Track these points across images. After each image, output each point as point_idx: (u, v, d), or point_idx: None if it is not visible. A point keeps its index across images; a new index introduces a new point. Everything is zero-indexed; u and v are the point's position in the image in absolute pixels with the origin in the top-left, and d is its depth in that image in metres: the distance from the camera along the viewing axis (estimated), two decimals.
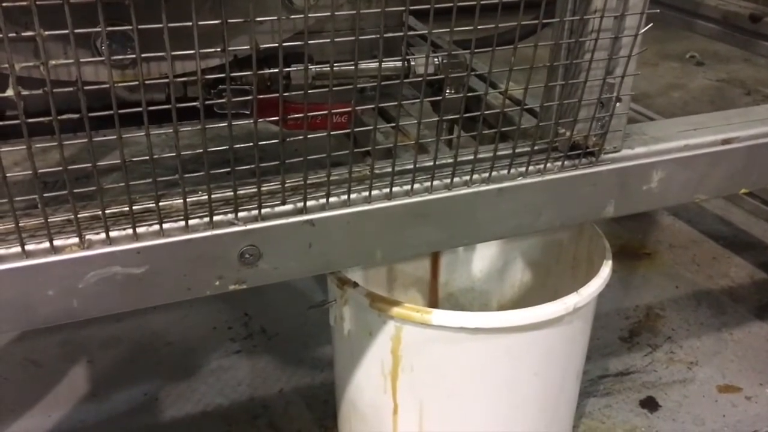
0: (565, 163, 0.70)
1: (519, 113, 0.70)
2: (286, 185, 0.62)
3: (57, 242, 0.55)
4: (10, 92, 0.49)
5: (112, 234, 0.57)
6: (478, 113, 0.64)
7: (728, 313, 1.25)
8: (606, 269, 0.82)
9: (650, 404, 1.05)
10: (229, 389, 1.07)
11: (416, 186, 0.66)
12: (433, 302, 1.06)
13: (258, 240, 0.61)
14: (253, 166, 0.59)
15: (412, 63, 0.78)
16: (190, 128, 0.58)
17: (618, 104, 0.70)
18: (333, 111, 0.60)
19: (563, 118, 0.70)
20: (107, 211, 0.57)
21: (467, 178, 0.67)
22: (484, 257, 1.06)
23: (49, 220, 0.55)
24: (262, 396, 1.06)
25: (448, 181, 0.67)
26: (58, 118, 0.50)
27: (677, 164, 0.76)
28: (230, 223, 0.60)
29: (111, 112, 0.51)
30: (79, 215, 0.56)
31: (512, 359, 0.78)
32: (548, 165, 0.70)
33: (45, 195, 0.54)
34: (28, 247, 0.55)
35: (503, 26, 0.57)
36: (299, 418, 1.02)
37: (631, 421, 1.02)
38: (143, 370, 1.10)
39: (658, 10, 0.65)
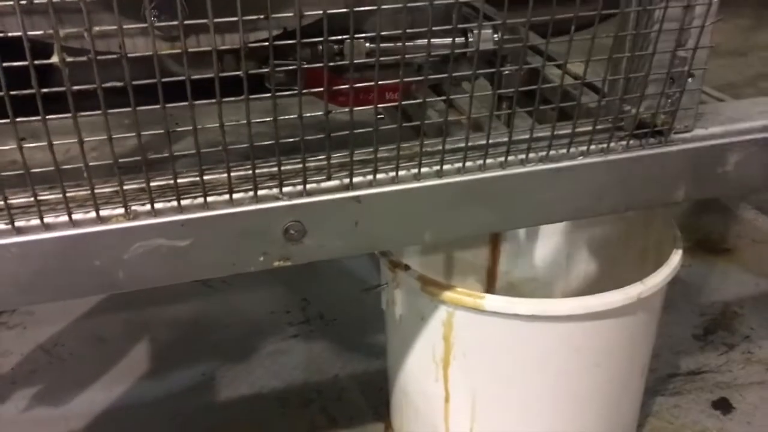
0: (631, 142, 0.66)
1: (580, 88, 0.66)
2: (333, 161, 0.60)
3: (103, 212, 0.56)
4: (55, 59, 0.49)
5: (157, 206, 0.57)
6: (535, 86, 0.61)
7: None
8: (675, 258, 0.77)
9: (723, 406, 0.98)
10: (285, 373, 1.07)
11: (468, 164, 0.63)
12: (492, 291, 1.03)
13: (303, 216, 0.60)
14: (298, 139, 0.57)
15: (470, 38, 0.75)
16: (233, 99, 0.57)
17: (690, 80, 0.65)
18: (382, 86, 0.58)
19: (629, 94, 0.66)
20: (152, 184, 0.57)
21: (523, 156, 0.64)
22: (547, 246, 1.02)
23: (95, 190, 0.55)
24: (317, 381, 1.06)
25: (503, 159, 0.64)
26: (103, 86, 0.50)
27: (757, 146, 0.70)
28: (275, 198, 0.59)
29: (154, 80, 0.50)
30: (125, 187, 0.56)
31: (570, 349, 0.74)
32: (612, 144, 0.66)
33: (90, 165, 0.54)
34: (75, 217, 0.55)
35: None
36: (353, 405, 1.01)
37: (702, 423, 0.96)
38: (202, 350, 1.11)
39: None
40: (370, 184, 0.61)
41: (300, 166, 0.60)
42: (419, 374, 0.82)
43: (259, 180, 0.59)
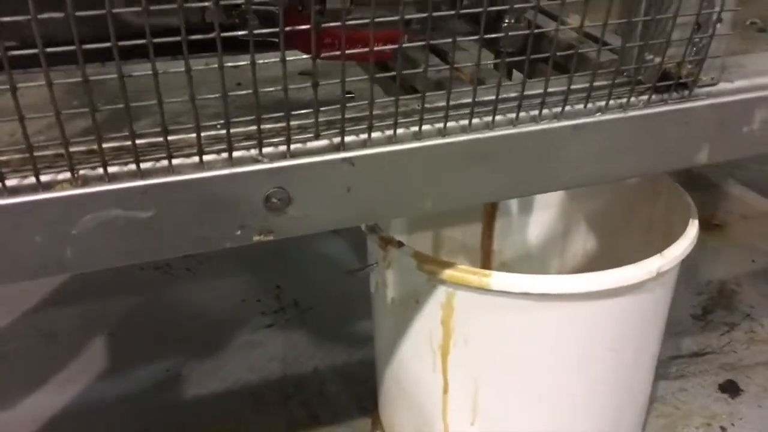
0: (653, 97, 0.59)
1: (602, 31, 0.58)
2: (321, 119, 0.51)
3: (45, 177, 0.46)
4: None
5: (112, 169, 0.47)
6: (551, 28, 0.53)
7: None
8: (692, 229, 0.70)
9: (731, 388, 0.93)
10: (260, 366, 0.98)
11: (475, 121, 0.55)
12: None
13: (287, 181, 0.51)
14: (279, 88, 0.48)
15: None
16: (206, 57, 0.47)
17: (718, 24, 0.58)
18: (375, 42, 0.49)
19: (651, 41, 0.58)
20: (106, 145, 0.47)
21: (536, 112, 0.56)
22: (541, 222, 0.95)
23: (34, 152, 0.45)
24: (296, 374, 0.97)
25: (513, 116, 0.56)
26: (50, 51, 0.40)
27: None
28: (254, 160, 0.50)
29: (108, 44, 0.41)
30: (71, 147, 0.46)
31: (584, 331, 0.67)
32: (632, 99, 0.58)
33: (27, 117, 0.44)
34: (9, 183, 0.45)
35: None
36: (336, 399, 0.93)
37: (710, 407, 0.90)
38: (165, 344, 1.02)
39: None
40: (364, 145, 0.53)
41: (283, 124, 0.51)
42: (414, 363, 0.74)
43: (235, 139, 0.50)
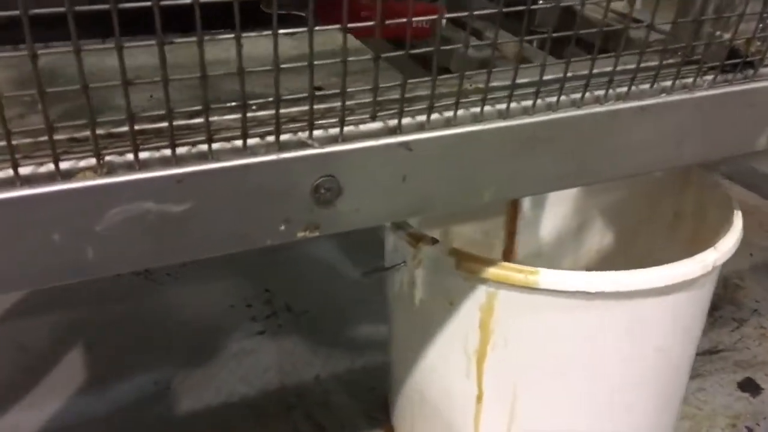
0: (718, 77, 0.55)
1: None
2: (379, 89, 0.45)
3: (65, 165, 0.39)
4: None
5: (143, 155, 0.40)
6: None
7: None
8: (738, 221, 0.67)
9: (750, 387, 0.90)
10: (255, 376, 0.91)
11: (537, 102, 0.50)
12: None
13: (338, 169, 0.45)
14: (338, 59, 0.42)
15: None
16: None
17: None
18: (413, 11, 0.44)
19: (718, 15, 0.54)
20: (137, 126, 0.40)
21: (601, 92, 0.51)
22: (554, 216, 0.90)
23: (54, 134, 0.38)
24: (296, 383, 0.90)
25: (577, 96, 0.51)
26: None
27: None
28: (302, 144, 0.44)
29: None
30: (97, 128, 0.39)
31: (633, 330, 0.62)
32: (698, 79, 0.54)
33: (47, 91, 0.37)
34: (23, 171, 0.38)
35: None
36: (342, 409, 0.86)
37: (733, 407, 0.87)
38: (151, 356, 0.93)
39: None
40: (421, 127, 0.47)
41: (336, 104, 0.44)
42: (443, 369, 0.69)
43: (282, 122, 0.44)
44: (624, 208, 0.86)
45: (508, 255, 0.90)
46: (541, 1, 0.64)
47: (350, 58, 0.42)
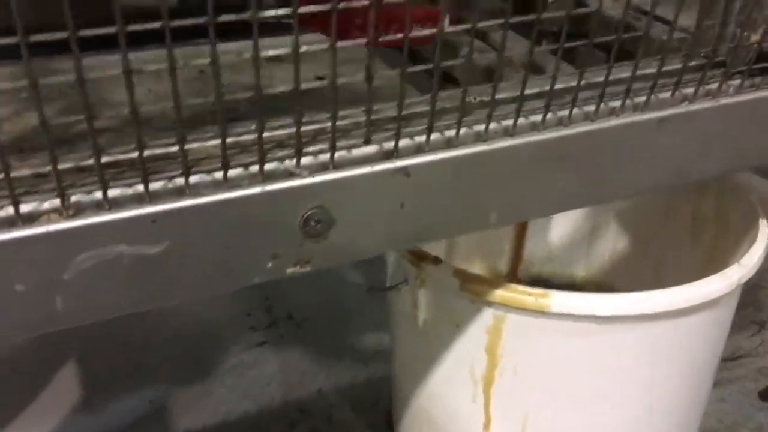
0: (745, 82, 0.50)
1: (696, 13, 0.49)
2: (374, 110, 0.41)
3: (26, 207, 0.35)
4: None
5: (113, 193, 0.36)
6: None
7: None
8: (765, 230, 0.62)
9: None
10: (256, 390, 0.88)
11: (548, 117, 0.46)
12: (516, 278, 0.86)
13: (329, 199, 0.41)
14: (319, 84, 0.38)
15: None
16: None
17: None
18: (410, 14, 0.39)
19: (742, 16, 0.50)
20: (104, 159, 0.37)
21: (616, 104, 0.47)
22: (566, 218, 0.86)
23: (11, 172, 0.34)
24: (298, 398, 0.87)
25: (591, 109, 0.47)
26: None
27: None
28: (289, 174, 0.40)
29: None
30: (60, 164, 0.35)
31: (651, 354, 0.59)
32: (723, 85, 0.50)
33: None
34: None
35: None
36: (347, 426, 0.83)
37: (755, 418, 0.83)
38: (146, 372, 0.90)
39: None
40: (419, 150, 0.43)
41: (326, 125, 0.40)
42: (449, 393, 0.65)
43: (267, 148, 0.40)
44: (639, 211, 0.82)
45: (515, 260, 0.86)
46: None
47: (340, 79, 0.38)
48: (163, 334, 0.96)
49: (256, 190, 0.39)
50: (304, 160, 0.40)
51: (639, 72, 0.47)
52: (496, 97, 0.44)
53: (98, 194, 0.36)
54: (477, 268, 0.87)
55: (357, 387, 0.88)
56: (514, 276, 0.87)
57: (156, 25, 0.31)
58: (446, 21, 0.43)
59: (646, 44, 0.45)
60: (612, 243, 0.85)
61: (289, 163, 0.40)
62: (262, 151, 0.38)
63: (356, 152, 0.42)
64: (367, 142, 0.41)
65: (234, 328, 0.97)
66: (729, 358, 0.92)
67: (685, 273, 0.74)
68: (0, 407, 0.85)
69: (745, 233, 0.64)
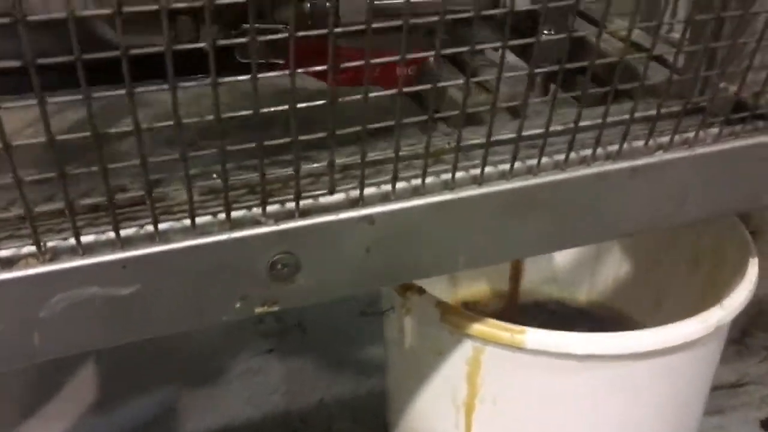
0: (724, 130, 0.50)
1: (674, 57, 0.50)
2: (336, 163, 0.43)
3: (5, 252, 0.38)
4: None
5: (86, 239, 0.39)
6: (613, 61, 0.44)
7: None
8: (753, 270, 0.62)
9: None
10: (261, 398, 0.91)
11: (516, 165, 0.47)
12: (515, 298, 0.87)
13: (295, 245, 0.43)
14: (286, 140, 0.40)
15: None
16: (195, 84, 0.38)
17: None
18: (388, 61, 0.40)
19: (721, 67, 0.50)
20: (80, 202, 0.39)
21: (587, 152, 0.48)
22: None
23: None
24: (300, 408, 0.89)
25: (561, 157, 0.47)
26: None
27: None
28: (255, 222, 0.42)
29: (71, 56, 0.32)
30: (36, 210, 0.38)
31: (628, 393, 0.59)
32: (700, 134, 0.50)
33: None
34: None
35: None
36: None
37: None
38: (156, 376, 0.93)
39: None
40: (386, 198, 0.44)
41: (291, 172, 0.42)
42: (434, 416, 0.67)
43: (234, 195, 0.42)
44: (642, 239, 0.82)
45: (515, 282, 0.86)
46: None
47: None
48: (173, 340, 0.99)
49: (223, 237, 0.41)
50: (270, 209, 0.42)
51: (610, 119, 0.47)
52: (464, 144, 0.45)
53: (73, 240, 0.39)
54: (482, 287, 0.88)
55: (358, 399, 0.90)
56: (514, 297, 0.87)
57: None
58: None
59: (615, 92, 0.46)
60: (615, 268, 0.85)
61: (256, 211, 0.42)
62: (227, 201, 0.40)
63: (323, 200, 0.44)
64: (332, 192, 0.43)
65: (243, 335, 1.00)
66: (734, 385, 0.91)
67: (685, 301, 0.74)
68: (12, 412, 0.89)
69: (738, 271, 0.64)
